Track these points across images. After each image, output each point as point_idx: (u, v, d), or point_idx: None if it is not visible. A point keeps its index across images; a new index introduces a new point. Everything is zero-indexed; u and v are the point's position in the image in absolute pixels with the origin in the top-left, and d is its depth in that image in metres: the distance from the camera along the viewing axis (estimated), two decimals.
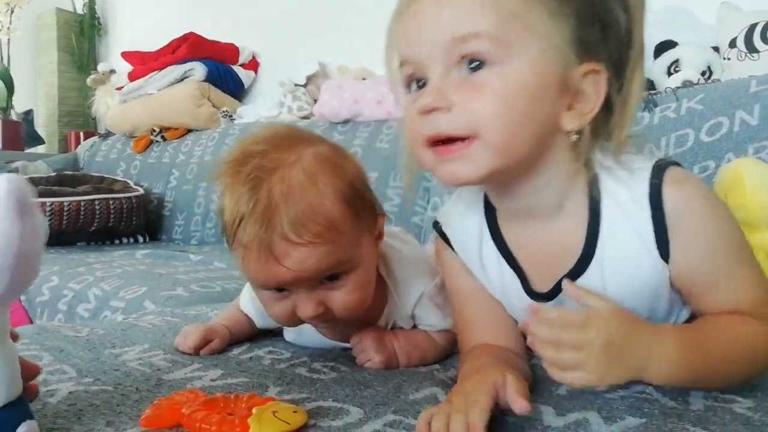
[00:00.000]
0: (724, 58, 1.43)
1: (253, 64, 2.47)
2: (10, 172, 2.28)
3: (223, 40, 2.41)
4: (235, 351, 0.66)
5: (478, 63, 0.46)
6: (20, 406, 0.40)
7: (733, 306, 0.51)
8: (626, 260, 0.50)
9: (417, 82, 0.50)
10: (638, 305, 0.52)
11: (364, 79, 2.01)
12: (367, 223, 0.60)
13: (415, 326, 0.68)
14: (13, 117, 2.74)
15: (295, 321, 0.60)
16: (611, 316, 0.45)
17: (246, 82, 2.44)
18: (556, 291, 0.54)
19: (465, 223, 0.58)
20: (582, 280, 0.52)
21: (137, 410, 0.46)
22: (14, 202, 0.35)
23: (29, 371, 0.44)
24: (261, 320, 0.71)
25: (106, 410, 0.47)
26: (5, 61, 2.70)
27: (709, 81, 1.42)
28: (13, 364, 0.40)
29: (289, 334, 0.71)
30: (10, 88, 2.69)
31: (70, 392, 0.51)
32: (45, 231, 0.38)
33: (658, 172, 0.49)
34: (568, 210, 0.52)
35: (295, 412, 0.45)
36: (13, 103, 2.73)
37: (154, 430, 0.43)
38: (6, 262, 0.35)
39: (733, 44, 1.41)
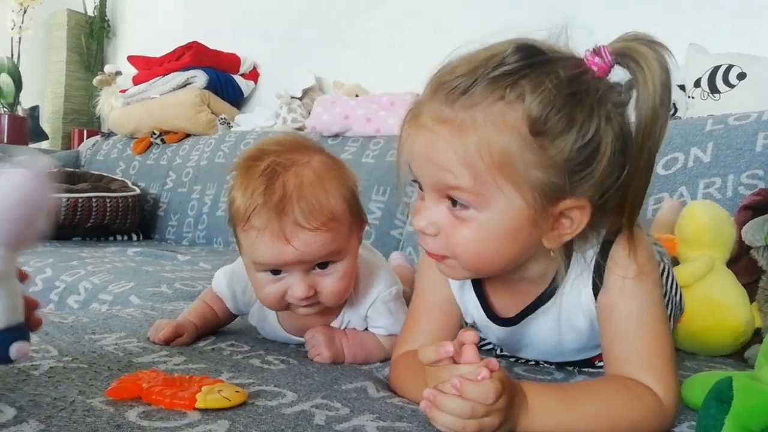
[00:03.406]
0: (689, 97, 1.52)
1: (253, 75, 2.57)
2: None
3: (226, 50, 2.51)
4: (201, 343, 0.75)
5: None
6: (18, 330, 0.49)
7: (632, 360, 0.55)
8: (574, 303, 0.60)
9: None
10: (581, 338, 0.64)
11: (356, 95, 2.10)
12: (357, 224, 0.70)
13: (366, 329, 0.76)
14: (20, 113, 2.84)
15: (281, 304, 0.69)
16: (506, 399, 0.48)
17: (246, 92, 2.54)
18: (519, 318, 0.64)
19: None
20: (542, 311, 0.62)
21: (106, 384, 0.54)
22: (34, 173, 0.46)
23: (29, 304, 0.52)
24: (233, 304, 0.80)
25: (80, 383, 0.56)
26: (15, 59, 2.80)
27: (674, 118, 1.51)
28: (14, 297, 0.49)
29: (254, 318, 0.79)
30: (18, 84, 2.79)
31: (50, 367, 0.59)
32: (53, 200, 0.49)
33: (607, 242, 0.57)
34: (546, 277, 0.60)
35: (237, 392, 0.53)
36: (21, 99, 2.83)
37: (117, 400, 0.52)
38: (18, 216, 0.46)
39: (697, 84, 1.50)
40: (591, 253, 0.58)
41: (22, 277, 0.52)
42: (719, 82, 1.46)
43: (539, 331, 0.65)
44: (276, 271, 0.67)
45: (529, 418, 0.50)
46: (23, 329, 0.51)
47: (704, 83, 1.48)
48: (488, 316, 0.66)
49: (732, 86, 1.44)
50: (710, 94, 1.47)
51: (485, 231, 0.52)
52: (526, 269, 0.59)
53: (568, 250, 0.58)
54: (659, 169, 1.31)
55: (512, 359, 0.77)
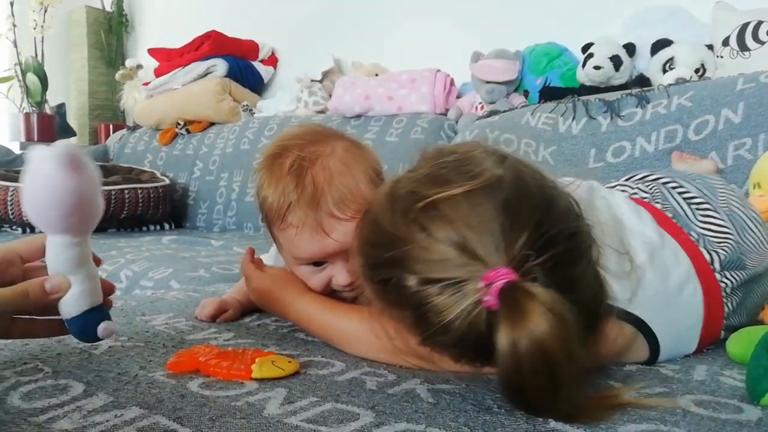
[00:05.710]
0: (718, 56, 1.49)
1: (272, 60, 2.58)
2: None
3: (244, 37, 2.52)
4: (246, 319, 0.77)
5: None
6: (101, 311, 0.54)
7: None
8: None
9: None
10: None
11: (376, 74, 2.10)
12: None
13: None
14: (47, 111, 2.89)
15: (326, 291, 0.70)
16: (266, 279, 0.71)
17: (265, 78, 2.55)
18: None
19: None
20: None
21: (164, 359, 0.57)
22: (69, 160, 0.47)
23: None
24: None
25: (139, 359, 0.58)
26: (39, 58, 2.85)
27: (702, 78, 1.48)
28: (94, 280, 0.53)
29: None
30: (44, 83, 2.84)
31: (109, 347, 0.62)
32: (98, 177, 0.51)
33: None
34: None
35: (289, 362, 0.55)
36: (47, 97, 2.88)
37: (177, 373, 0.54)
38: (71, 208, 0.48)
39: (726, 42, 1.47)
40: None
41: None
42: (749, 40, 1.43)
43: None
44: (318, 263, 0.68)
45: (299, 312, 0.67)
46: (105, 309, 0.54)
47: (733, 41, 1.45)
48: None
49: (762, 43, 1.41)
50: (740, 53, 1.44)
51: None
52: None
53: None
54: (690, 134, 1.29)
55: None
